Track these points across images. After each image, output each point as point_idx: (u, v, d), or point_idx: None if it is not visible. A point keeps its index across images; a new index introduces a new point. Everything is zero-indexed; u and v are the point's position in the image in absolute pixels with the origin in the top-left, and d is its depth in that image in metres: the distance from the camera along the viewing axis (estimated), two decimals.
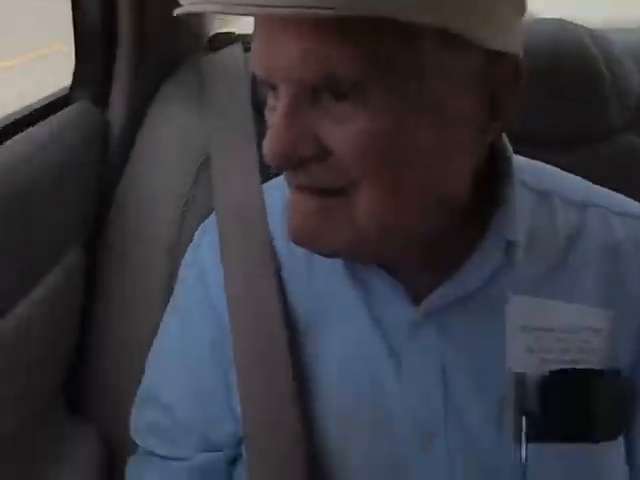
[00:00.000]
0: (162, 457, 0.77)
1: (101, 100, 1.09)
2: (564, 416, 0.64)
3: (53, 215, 0.92)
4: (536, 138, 0.88)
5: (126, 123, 1.09)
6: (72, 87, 1.11)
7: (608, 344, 0.65)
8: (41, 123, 0.97)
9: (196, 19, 1.21)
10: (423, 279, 0.66)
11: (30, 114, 1.03)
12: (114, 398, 0.99)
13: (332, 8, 0.50)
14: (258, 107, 0.96)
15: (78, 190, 1.00)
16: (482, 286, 0.66)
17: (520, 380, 0.64)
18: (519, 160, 0.69)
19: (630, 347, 0.66)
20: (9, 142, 0.90)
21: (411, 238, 0.63)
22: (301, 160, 0.57)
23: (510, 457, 0.64)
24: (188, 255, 0.81)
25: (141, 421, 0.80)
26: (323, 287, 0.71)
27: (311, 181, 0.59)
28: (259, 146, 0.74)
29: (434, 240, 0.64)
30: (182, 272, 0.81)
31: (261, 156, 0.61)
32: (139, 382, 0.81)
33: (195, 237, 0.81)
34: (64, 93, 1.11)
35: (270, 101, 0.60)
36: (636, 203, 0.72)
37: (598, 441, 0.65)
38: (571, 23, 1.04)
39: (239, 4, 0.52)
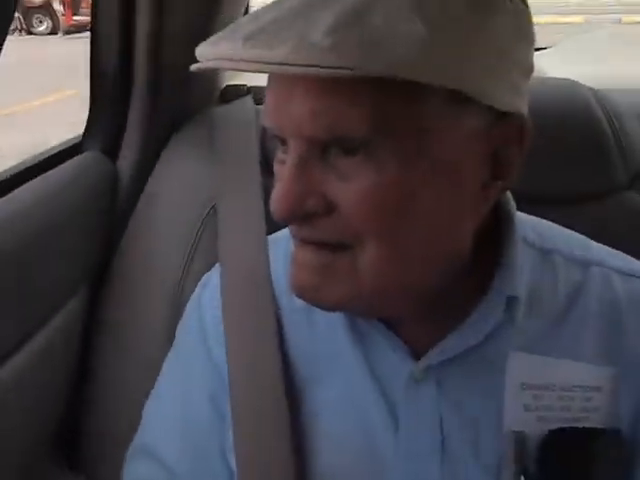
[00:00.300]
0: None
1: (112, 150, 1.11)
2: (563, 476, 0.64)
3: (57, 264, 0.93)
4: (539, 196, 0.89)
5: (136, 173, 1.10)
6: (84, 135, 1.13)
7: (609, 402, 0.64)
8: (51, 171, 0.99)
9: (209, 71, 1.23)
10: (423, 334, 0.66)
11: (42, 161, 1.04)
12: (107, 450, 0.98)
13: (350, 69, 0.51)
14: (266, 159, 0.97)
15: (84, 239, 1.01)
16: (483, 342, 0.65)
17: (519, 439, 0.63)
18: (521, 217, 0.70)
19: (631, 405, 0.65)
20: (19, 189, 0.91)
21: (413, 293, 0.63)
22: (307, 214, 0.58)
23: None
24: (190, 309, 0.80)
25: (134, 474, 0.79)
26: (323, 340, 0.70)
27: (316, 235, 0.60)
28: (266, 198, 0.75)
29: (436, 295, 0.64)
30: (183, 325, 0.81)
31: (268, 207, 0.62)
32: (132, 434, 0.80)
33: (197, 290, 0.81)
34: (76, 141, 1.13)
35: (279, 154, 0.61)
36: (637, 261, 0.72)
37: None
38: (576, 83, 1.06)
39: (258, 61, 0.53)
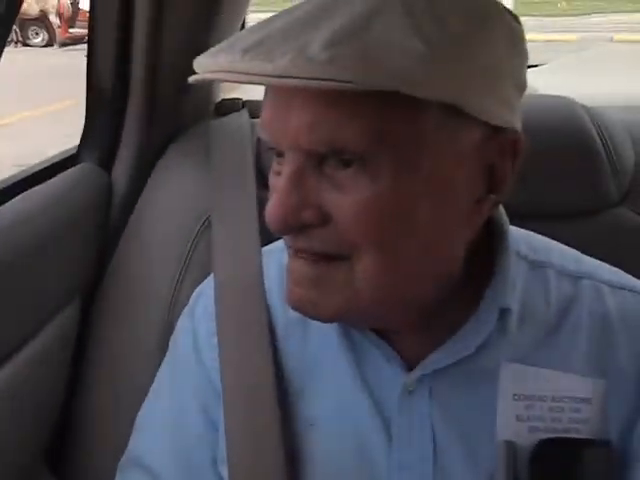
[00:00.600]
0: None
1: (107, 162, 1.11)
2: None
3: (51, 274, 0.93)
4: (532, 211, 0.90)
5: (130, 185, 1.10)
6: (80, 147, 1.13)
7: (598, 413, 0.65)
8: (47, 183, 0.99)
9: (204, 85, 1.24)
10: (417, 344, 0.67)
11: (37, 173, 1.04)
12: (96, 462, 0.98)
13: (350, 82, 0.51)
14: (261, 172, 0.98)
15: (79, 249, 1.01)
16: (475, 353, 0.66)
17: (510, 450, 0.64)
18: (514, 231, 0.70)
19: (620, 416, 0.66)
20: (14, 200, 0.91)
21: (409, 303, 0.63)
22: (303, 226, 0.58)
23: None
24: (183, 320, 0.80)
25: None
26: (317, 351, 0.71)
27: (311, 246, 0.60)
28: (261, 210, 0.75)
29: (430, 306, 0.65)
30: (177, 336, 0.80)
31: (262, 219, 0.62)
32: (123, 446, 0.79)
33: (191, 301, 0.81)
34: (72, 153, 1.13)
35: (275, 165, 0.62)
36: (627, 275, 0.73)
37: None
38: (569, 100, 1.07)
39: (258, 74, 0.53)
